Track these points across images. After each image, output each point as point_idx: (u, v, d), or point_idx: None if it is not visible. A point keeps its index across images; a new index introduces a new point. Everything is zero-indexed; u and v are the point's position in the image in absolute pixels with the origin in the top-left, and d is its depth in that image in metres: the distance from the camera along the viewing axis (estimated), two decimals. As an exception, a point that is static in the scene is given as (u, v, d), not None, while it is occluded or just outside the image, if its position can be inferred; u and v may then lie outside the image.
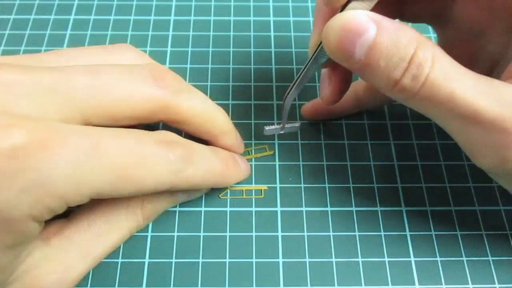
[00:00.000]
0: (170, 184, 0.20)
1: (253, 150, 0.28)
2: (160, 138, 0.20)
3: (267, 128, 0.26)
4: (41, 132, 0.16)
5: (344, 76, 0.23)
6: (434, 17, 0.24)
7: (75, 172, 0.17)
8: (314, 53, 0.21)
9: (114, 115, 0.20)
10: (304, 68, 0.22)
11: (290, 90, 0.24)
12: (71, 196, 0.17)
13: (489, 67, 0.22)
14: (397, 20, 0.22)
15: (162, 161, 0.19)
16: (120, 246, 0.24)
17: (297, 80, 0.23)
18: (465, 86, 0.17)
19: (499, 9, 0.19)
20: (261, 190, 0.26)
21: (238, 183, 0.26)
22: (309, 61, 0.21)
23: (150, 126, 0.26)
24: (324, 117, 0.26)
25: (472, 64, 0.22)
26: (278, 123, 0.26)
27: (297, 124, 0.27)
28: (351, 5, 0.18)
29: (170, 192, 0.23)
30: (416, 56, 0.18)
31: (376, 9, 0.18)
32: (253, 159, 0.27)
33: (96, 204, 0.21)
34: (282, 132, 0.26)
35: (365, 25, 0.18)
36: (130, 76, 0.20)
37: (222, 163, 0.23)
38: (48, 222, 0.20)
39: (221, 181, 0.23)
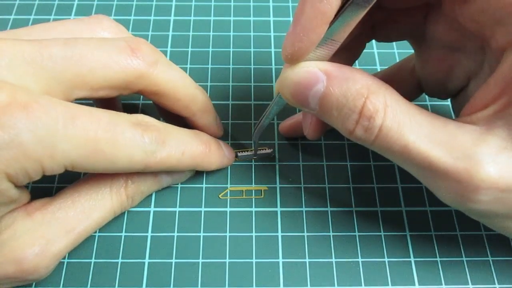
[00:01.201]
0: (143, 164, 0.20)
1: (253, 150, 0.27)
2: (135, 120, 0.20)
3: (240, 154, 0.27)
4: (22, 97, 0.17)
5: None
6: (407, 37, 0.24)
7: (51, 138, 0.17)
8: (277, 96, 0.21)
9: (92, 84, 0.20)
10: (269, 108, 0.22)
11: (257, 127, 0.24)
12: (47, 162, 0.17)
13: (465, 79, 0.22)
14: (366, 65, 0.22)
15: (135, 141, 0.20)
16: (120, 246, 0.24)
17: (262, 118, 0.23)
18: (418, 136, 0.18)
19: (469, 31, 0.19)
20: (261, 190, 0.26)
21: (238, 183, 0.26)
22: (273, 102, 0.22)
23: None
24: (301, 134, 0.25)
25: (449, 76, 0.23)
26: (250, 150, 0.27)
27: (269, 151, 0.27)
28: (309, 55, 0.19)
29: (153, 174, 0.24)
30: (366, 108, 0.18)
31: (350, 33, 0.18)
32: (253, 160, 0.27)
33: (80, 183, 0.22)
34: (255, 157, 0.27)
35: (314, 77, 0.19)
36: (106, 46, 0.20)
37: (203, 146, 0.24)
38: (32, 200, 0.21)
39: (202, 164, 0.24)
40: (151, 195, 0.26)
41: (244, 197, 0.26)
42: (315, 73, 0.19)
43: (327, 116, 0.19)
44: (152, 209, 0.26)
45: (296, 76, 0.19)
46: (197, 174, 0.26)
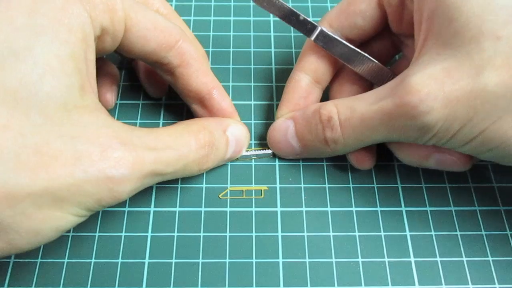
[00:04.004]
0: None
1: (253, 150, 0.27)
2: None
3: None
4: None
5: None
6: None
7: None
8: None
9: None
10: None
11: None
12: None
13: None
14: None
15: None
16: (120, 246, 0.24)
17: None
18: (366, 103, 0.22)
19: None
20: (261, 190, 0.26)
21: (238, 183, 0.26)
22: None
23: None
24: None
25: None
26: (250, 150, 0.27)
27: (269, 151, 0.27)
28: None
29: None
30: (322, 115, 0.24)
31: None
32: (253, 159, 0.27)
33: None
34: (255, 157, 0.27)
35: (285, 124, 0.26)
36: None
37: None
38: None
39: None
40: (151, 195, 0.26)
41: (244, 197, 0.26)
42: (284, 121, 0.26)
43: (308, 146, 0.25)
44: (152, 209, 0.26)
45: (273, 128, 0.26)
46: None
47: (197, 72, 0.25)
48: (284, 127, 0.26)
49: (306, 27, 0.25)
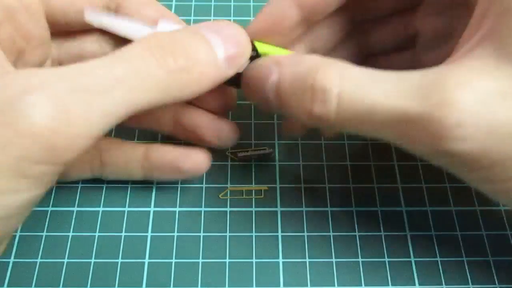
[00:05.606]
0: None
1: (253, 150, 0.27)
2: None
3: (239, 154, 0.27)
4: None
5: None
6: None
7: None
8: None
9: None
10: None
11: None
12: None
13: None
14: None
15: None
16: (120, 246, 0.24)
17: None
18: (384, 91, 0.16)
19: None
20: (261, 190, 0.26)
21: (238, 183, 0.26)
22: None
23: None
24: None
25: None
26: (250, 150, 0.27)
27: (269, 151, 0.27)
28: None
29: None
30: (316, 82, 0.17)
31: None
32: (253, 159, 0.27)
33: None
34: (255, 157, 0.27)
35: (267, 69, 0.19)
36: None
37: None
38: None
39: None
40: (151, 195, 0.26)
41: (244, 197, 0.26)
42: (268, 65, 0.19)
43: (288, 106, 0.19)
44: (152, 209, 0.26)
45: (251, 69, 0.20)
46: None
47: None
48: (266, 73, 0.19)
49: None
